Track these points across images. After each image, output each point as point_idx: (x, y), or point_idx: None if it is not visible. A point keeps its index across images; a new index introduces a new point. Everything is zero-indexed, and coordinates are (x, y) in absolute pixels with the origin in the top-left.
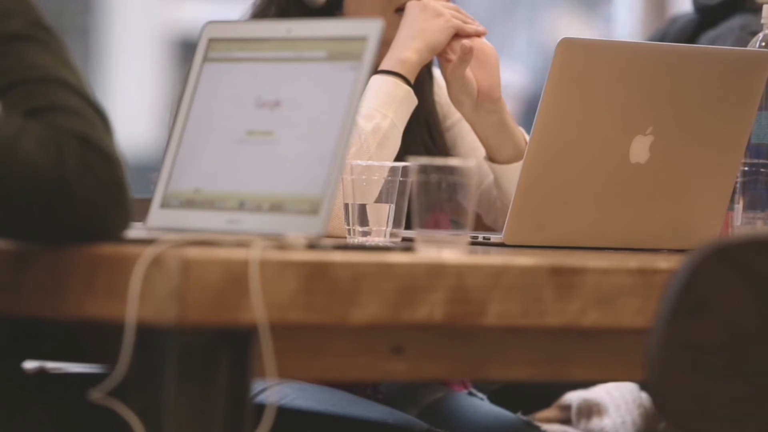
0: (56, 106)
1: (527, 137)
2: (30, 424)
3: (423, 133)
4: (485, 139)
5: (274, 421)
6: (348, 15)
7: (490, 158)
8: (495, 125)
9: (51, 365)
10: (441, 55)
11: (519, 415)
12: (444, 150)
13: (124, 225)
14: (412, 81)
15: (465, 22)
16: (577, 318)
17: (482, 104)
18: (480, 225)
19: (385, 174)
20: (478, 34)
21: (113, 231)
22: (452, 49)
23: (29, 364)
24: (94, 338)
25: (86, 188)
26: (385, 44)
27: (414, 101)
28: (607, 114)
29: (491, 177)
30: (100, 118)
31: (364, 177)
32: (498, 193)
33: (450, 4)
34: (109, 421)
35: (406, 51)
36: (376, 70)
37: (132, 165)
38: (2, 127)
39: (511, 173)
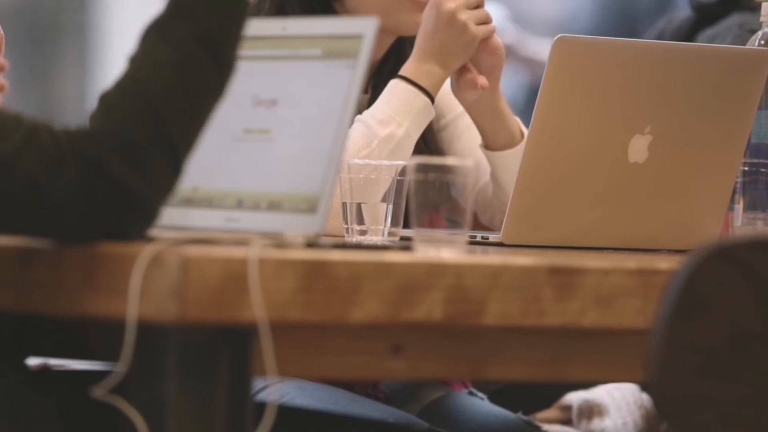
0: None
1: (522, 126)
2: (33, 421)
3: None
4: (480, 125)
5: (275, 419)
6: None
7: (486, 145)
8: (490, 112)
9: (54, 362)
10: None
11: (519, 415)
12: (436, 150)
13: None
14: (435, 96)
15: (486, 21)
16: (576, 318)
17: (481, 96)
18: (476, 224)
19: (384, 174)
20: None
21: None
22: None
23: (32, 361)
24: (96, 335)
25: (84, 214)
26: (390, 34)
27: (432, 113)
28: (604, 113)
29: (488, 176)
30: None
31: (361, 176)
32: (492, 183)
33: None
34: (112, 418)
35: (434, 65)
36: (396, 74)
37: None
38: (8, 138)
39: (504, 160)
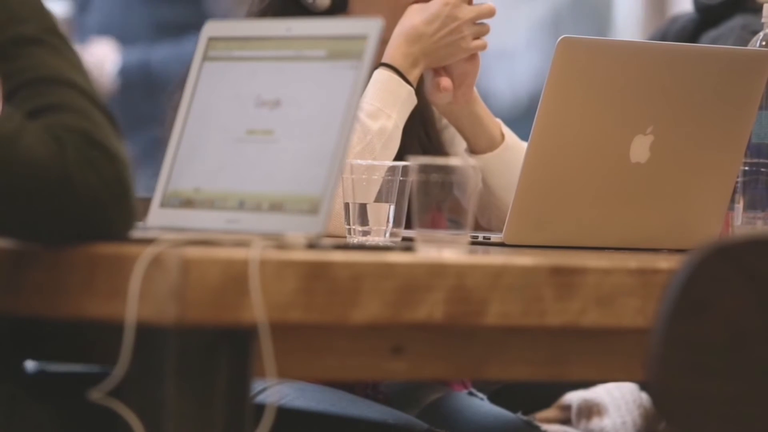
0: (61, 105)
1: (504, 128)
2: (30, 425)
3: (419, 130)
4: (459, 129)
5: (274, 421)
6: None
7: (468, 149)
8: (467, 117)
9: (51, 365)
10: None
11: (519, 415)
12: (440, 147)
13: (128, 223)
14: (415, 85)
15: (480, 34)
16: (577, 318)
17: (455, 101)
18: (477, 226)
19: (387, 174)
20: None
21: (116, 228)
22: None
23: (29, 365)
24: (93, 338)
25: (88, 184)
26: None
27: (414, 102)
28: (607, 113)
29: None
30: (106, 119)
31: (364, 176)
32: (482, 186)
33: (473, 11)
34: (109, 421)
35: (419, 56)
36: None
37: None
38: (2, 124)
39: (486, 163)
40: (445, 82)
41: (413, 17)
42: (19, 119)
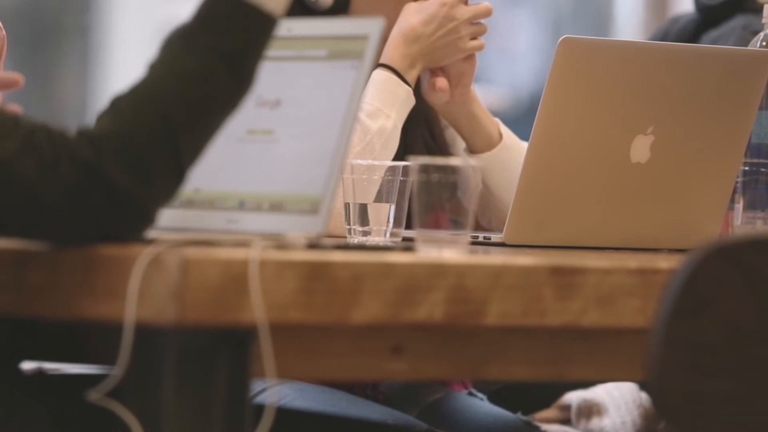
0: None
1: (502, 127)
2: (28, 425)
3: (423, 130)
4: (457, 128)
5: (274, 421)
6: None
7: (468, 149)
8: (465, 117)
9: (49, 366)
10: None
11: (519, 415)
12: (444, 147)
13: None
14: (413, 86)
15: (477, 34)
16: (577, 318)
17: (453, 101)
18: (478, 226)
19: (388, 174)
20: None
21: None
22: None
23: (27, 365)
24: (92, 339)
25: (79, 217)
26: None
27: (412, 102)
28: (607, 113)
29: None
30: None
31: (364, 176)
32: (481, 186)
33: (470, 11)
34: (108, 422)
35: (417, 56)
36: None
37: None
38: (5, 140)
39: (483, 163)
40: (441, 82)
41: (411, 18)
42: (16, 139)
